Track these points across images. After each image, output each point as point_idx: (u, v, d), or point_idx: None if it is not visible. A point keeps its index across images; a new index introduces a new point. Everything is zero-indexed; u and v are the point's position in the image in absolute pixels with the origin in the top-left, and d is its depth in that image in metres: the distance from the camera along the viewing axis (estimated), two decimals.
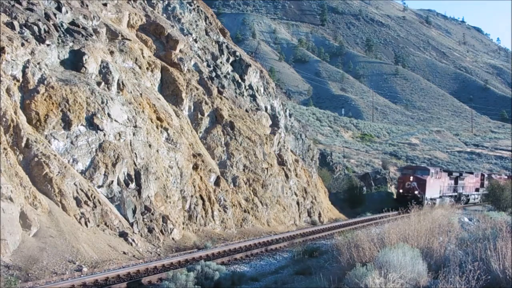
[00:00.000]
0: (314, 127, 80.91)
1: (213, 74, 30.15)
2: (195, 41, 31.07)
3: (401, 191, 40.02)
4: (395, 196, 42.31)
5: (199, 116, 27.39)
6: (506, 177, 60.33)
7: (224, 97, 29.44)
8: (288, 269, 15.62)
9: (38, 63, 18.93)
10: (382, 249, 10.27)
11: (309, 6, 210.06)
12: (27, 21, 19.86)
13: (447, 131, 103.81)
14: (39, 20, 20.29)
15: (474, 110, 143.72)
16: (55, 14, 21.66)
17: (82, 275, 14.22)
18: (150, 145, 21.71)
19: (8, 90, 17.45)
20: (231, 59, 33.21)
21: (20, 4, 20.47)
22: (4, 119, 16.81)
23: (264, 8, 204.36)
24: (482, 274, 8.44)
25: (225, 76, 31.17)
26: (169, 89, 26.56)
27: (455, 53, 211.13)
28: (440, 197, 41.96)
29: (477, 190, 52.57)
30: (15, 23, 19.30)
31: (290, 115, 38.08)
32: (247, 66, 33.61)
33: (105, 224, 18.10)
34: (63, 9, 22.32)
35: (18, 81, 18.05)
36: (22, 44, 18.57)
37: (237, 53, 33.95)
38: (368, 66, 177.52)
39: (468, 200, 50.38)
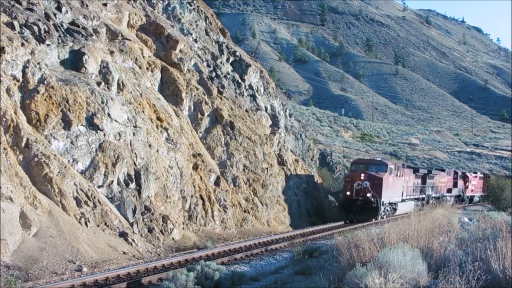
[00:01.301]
0: (314, 127, 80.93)
1: (213, 74, 30.16)
2: (195, 41, 31.08)
3: (348, 193, 29.67)
4: (341, 201, 31.56)
5: (199, 116, 27.40)
6: (482, 175, 55.40)
7: (224, 97, 29.44)
8: (288, 269, 15.62)
9: (38, 63, 18.93)
10: (382, 249, 10.28)
11: (309, 6, 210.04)
12: (27, 21, 19.87)
13: (447, 131, 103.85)
14: (39, 20, 20.29)
15: (474, 110, 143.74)
16: (55, 14, 21.66)
17: (82, 275, 14.22)
18: (150, 145, 21.71)
19: (8, 90, 17.45)
20: (231, 59, 33.22)
21: (20, 4, 20.47)
22: (4, 119, 16.81)
23: (264, 8, 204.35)
24: (482, 274, 8.45)
25: (225, 76, 31.18)
26: (169, 89, 26.56)
27: (455, 53, 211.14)
28: (403, 200, 33.52)
29: (449, 191, 44.31)
30: (15, 23, 19.30)
31: (290, 115, 38.08)
32: (247, 66, 33.62)
33: (105, 224, 18.10)
34: (63, 9, 22.32)
35: (18, 81, 18.05)
36: (22, 44, 18.57)
37: (237, 53, 33.96)
38: (368, 66, 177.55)
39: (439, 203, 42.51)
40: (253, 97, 32.94)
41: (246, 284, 13.51)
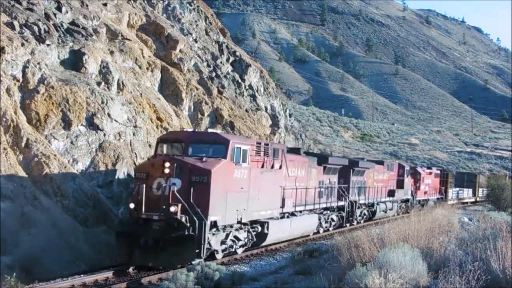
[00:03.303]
0: (314, 127, 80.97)
1: (213, 74, 30.17)
2: (195, 41, 31.09)
3: (132, 206, 14.60)
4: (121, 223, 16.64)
5: (199, 116, 27.41)
6: (438, 171, 43.90)
7: (224, 97, 29.45)
8: (288, 269, 15.62)
9: (38, 63, 18.94)
10: (382, 249, 10.30)
11: (309, 6, 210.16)
12: (27, 21, 19.87)
13: (447, 131, 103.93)
14: (39, 20, 20.29)
15: (474, 110, 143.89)
16: (55, 14, 21.66)
17: (82, 275, 14.21)
18: (150, 145, 21.71)
19: (8, 90, 17.45)
20: (231, 59, 33.23)
21: (20, 4, 20.47)
22: (4, 119, 16.81)
23: (264, 8, 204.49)
24: (482, 274, 8.46)
25: (225, 76, 31.18)
26: (169, 89, 26.57)
27: (455, 53, 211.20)
28: (285, 215, 18.84)
29: (391, 194, 31.04)
30: (15, 23, 19.30)
31: (290, 115, 38.10)
32: (247, 66, 33.63)
33: (105, 224, 18.09)
34: (63, 9, 22.33)
35: (18, 81, 18.06)
36: (22, 44, 18.57)
37: (237, 53, 33.98)
38: (368, 66, 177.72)
39: (373, 213, 29.02)
40: (253, 97, 32.95)
41: (246, 284, 13.51)
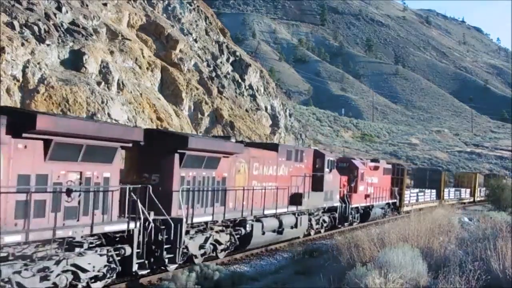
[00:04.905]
0: (314, 127, 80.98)
1: (213, 74, 30.17)
2: (195, 41, 31.08)
3: None
4: None
5: (199, 116, 27.41)
6: (389, 166, 31.43)
7: (224, 97, 29.45)
8: (288, 269, 15.61)
9: (38, 63, 18.93)
10: (382, 249, 10.30)
11: (309, 6, 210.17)
12: (27, 21, 19.87)
13: (447, 131, 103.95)
14: (39, 20, 20.29)
15: (474, 110, 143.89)
16: (55, 14, 21.66)
17: None
18: None
19: (8, 90, 17.45)
20: (231, 59, 33.24)
21: (20, 4, 20.47)
22: None
23: (264, 8, 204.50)
24: (482, 274, 8.46)
25: (225, 76, 31.18)
26: (169, 89, 26.57)
27: (455, 53, 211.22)
28: None
29: (295, 200, 18.87)
30: (15, 23, 19.30)
31: (290, 115, 38.08)
32: (247, 66, 33.63)
33: None
34: (63, 9, 22.33)
35: (18, 81, 18.06)
36: (22, 44, 18.57)
37: (237, 53, 33.97)
38: (368, 66, 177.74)
39: (246, 238, 16.34)
40: (253, 97, 32.96)
41: (246, 284, 13.51)
